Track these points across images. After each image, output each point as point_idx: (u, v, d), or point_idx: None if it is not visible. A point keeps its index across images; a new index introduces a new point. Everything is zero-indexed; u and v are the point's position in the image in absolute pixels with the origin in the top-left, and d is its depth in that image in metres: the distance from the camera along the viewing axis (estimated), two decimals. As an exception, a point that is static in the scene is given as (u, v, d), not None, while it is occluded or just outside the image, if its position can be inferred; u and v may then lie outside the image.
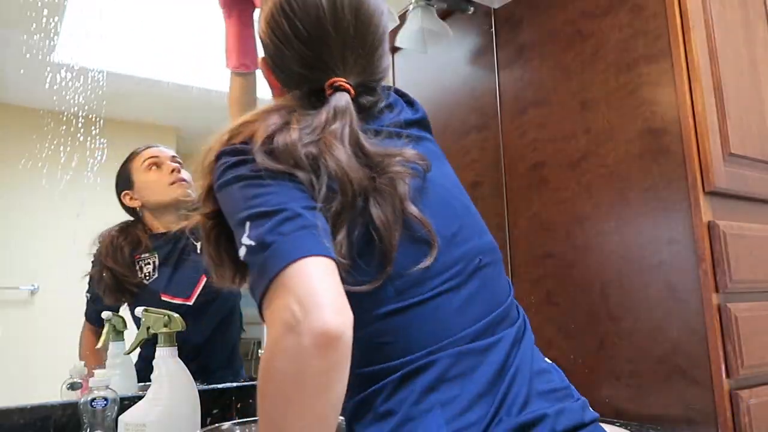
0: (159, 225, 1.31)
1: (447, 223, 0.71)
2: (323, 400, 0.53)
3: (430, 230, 0.68)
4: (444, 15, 1.75)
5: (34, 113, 1.20)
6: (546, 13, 1.61)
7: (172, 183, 1.31)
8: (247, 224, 0.60)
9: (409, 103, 0.84)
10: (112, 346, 1.14)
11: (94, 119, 1.24)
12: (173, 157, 1.34)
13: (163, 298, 1.26)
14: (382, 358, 0.66)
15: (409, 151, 0.71)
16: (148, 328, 1.01)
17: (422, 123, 0.83)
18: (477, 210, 0.81)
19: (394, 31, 1.67)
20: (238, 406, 1.20)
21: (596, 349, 1.39)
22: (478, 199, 1.10)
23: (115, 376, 1.10)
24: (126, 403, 0.99)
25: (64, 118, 1.21)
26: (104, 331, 1.15)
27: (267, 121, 0.68)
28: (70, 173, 1.20)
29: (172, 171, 1.32)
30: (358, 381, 0.64)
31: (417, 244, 0.68)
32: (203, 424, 1.07)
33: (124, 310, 1.22)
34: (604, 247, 1.41)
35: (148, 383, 0.99)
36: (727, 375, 1.18)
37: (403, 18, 1.70)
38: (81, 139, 1.22)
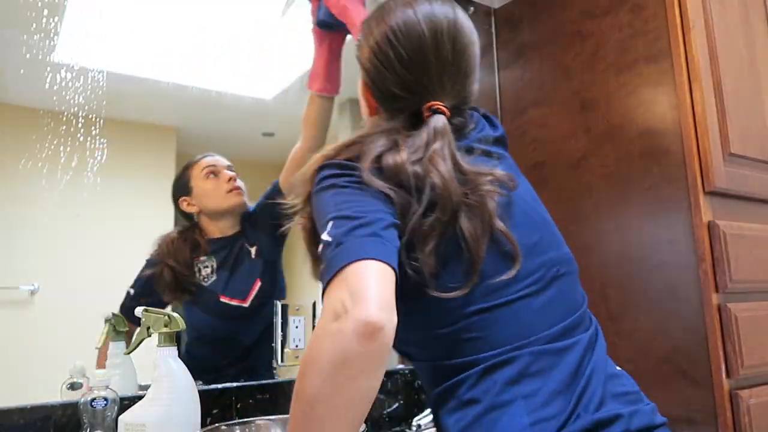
0: (215, 230, 1.39)
1: (528, 234, 0.78)
2: (356, 385, 0.58)
3: (514, 245, 0.74)
4: (444, 15, 1.75)
5: (34, 113, 1.20)
6: (546, 13, 1.61)
7: (230, 191, 1.39)
8: (330, 223, 0.68)
9: (489, 120, 0.91)
10: (112, 346, 1.14)
11: (94, 119, 1.24)
12: (229, 166, 1.42)
13: (222, 300, 1.34)
14: (468, 352, 0.72)
15: (499, 172, 0.77)
16: (148, 328, 1.00)
17: (502, 140, 0.90)
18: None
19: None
20: (238, 406, 1.20)
21: (596, 349, 1.39)
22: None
23: (115, 376, 1.10)
24: (126, 403, 0.99)
25: (64, 118, 1.21)
26: (104, 331, 1.15)
27: (375, 143, 0.76)
28: (70, 173, 1.20)
29: (229, 180, 1.40)
30: (443, 371, 0.73)
31: (502, 256, 0.74)
32: (203, 424, 1.07)
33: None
34: (604, 247, 1.41)
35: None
36: (727, 375, 1.18)
37: (403, 18, 1.70)
38: (81, 139, 1.22)
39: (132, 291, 1.25)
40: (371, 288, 0.60)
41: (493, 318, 0.72)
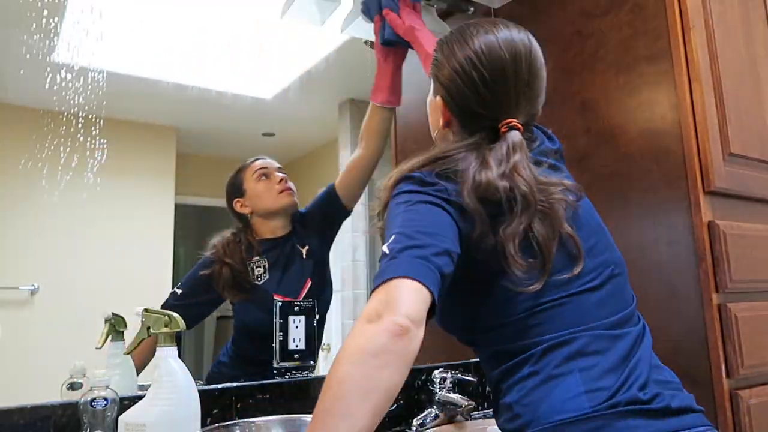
0: (267, 230, 1.45)
1: (587, 238, 0.86)
2: (381, 374, 0.66)
3: (579, 248, 0.84)
4: (444, 15, 1.75)
5: (34, 113, 1.20)
6: (546, 13, 1.61)
7: (281, 192, 1.45)
8: (393, 237, 0.77)
9: (545, 133, 1.00)
10: (112, 346, 1.14)
11: (94, 119, 1.24)
12: (279, 168, 1.48)
13: (276, 298, 1.38)
14: (531, 335, 0.81)
15: (568, 182, 0.87)
16: (148, 328, 1.00)
17: (560, 152, 0.99)
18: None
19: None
20: (238, 406, 1.20)
21: (596, 349, 1.39)
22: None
23: (115, 376, 1.10)
24: (126, 403, 0.99)
25: (64, 118, 1.21)
26: (104, 331, 1.15)
27: (466, 160, 0.84)
28: (70, 173, 1.20)
29: (280, 181, 1.45)
30: (506, 353, 0.82)
31: (568, 256, 0.84)
32: (203, 424, 1.07)
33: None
34: (604, 247, 1.41)
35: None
36: (727, 375, 1.18)
37: (403, 18, 1.69)
38: (81, 139, 1.22)
39: (179, 291, 1.31)
40: (404, 301, 0.69)
41: (558, 308, 0.81)
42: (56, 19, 1.23)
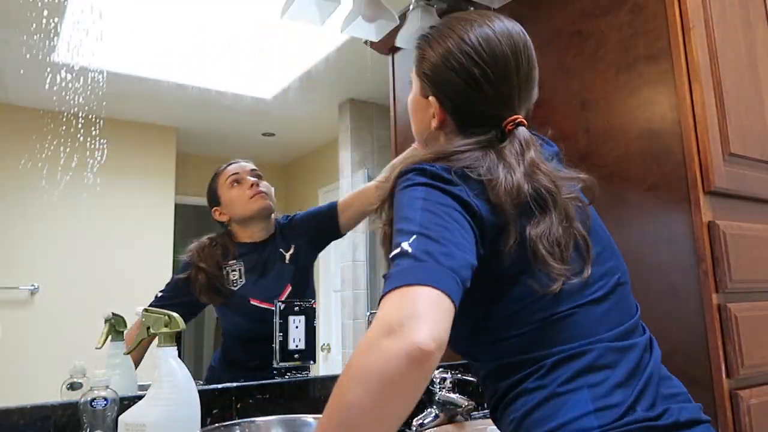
0: (245, 235, 1.44)
1: (595, 243, 0.83)
2: (395, 402, 0.60)
3: (589, 248, 0.80)
4: (444, 15, 1.75)
5: (34, 113, 1.20)
6: (546, 13, 1.61)
7: (252, 197, 1.42)
8: (414, 237, 0.69)
9: (542, 138, 0.95)
10: (112, 346, 1.14)
11: (94, 119, 1.24)
12: (252, 170, 1.45)
13: (252, 303, 1.38)
14: (540, 348, 0.76)
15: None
16: (148, 328, 1.01)
17: (559, 156, 0.94)
18: None
19: (395, 31, 1.67)
20: (238, 406, 1.20)
21: (596, 349, 1.39)
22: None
23: (115, 376, 1.10)
24: (126, 403, 0.99)
25: (64, 119, 1.21)
26: (104, 331, 1.15)
27: (487, 160, 0.79)
28: (70, 173, 1.20)
29: (251, 185, 1.43)
30: (511, 367, 0.77)
31: (581, 259, 0.80)
32: (203, 424, 1.07)
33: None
34: (604, 247, 1.41)
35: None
36: (727, 375, 1.18)
37: (403, 18, 1.70)
38: (81, 139, 1.22)
39: (160, 293, 1.30)
40: (431, 317, 0.61)
41: (570, 317, 0.77)
42: (56, 19, 1.23)
